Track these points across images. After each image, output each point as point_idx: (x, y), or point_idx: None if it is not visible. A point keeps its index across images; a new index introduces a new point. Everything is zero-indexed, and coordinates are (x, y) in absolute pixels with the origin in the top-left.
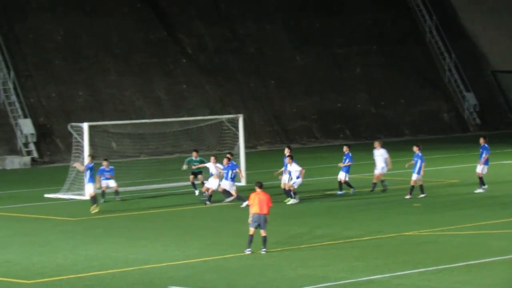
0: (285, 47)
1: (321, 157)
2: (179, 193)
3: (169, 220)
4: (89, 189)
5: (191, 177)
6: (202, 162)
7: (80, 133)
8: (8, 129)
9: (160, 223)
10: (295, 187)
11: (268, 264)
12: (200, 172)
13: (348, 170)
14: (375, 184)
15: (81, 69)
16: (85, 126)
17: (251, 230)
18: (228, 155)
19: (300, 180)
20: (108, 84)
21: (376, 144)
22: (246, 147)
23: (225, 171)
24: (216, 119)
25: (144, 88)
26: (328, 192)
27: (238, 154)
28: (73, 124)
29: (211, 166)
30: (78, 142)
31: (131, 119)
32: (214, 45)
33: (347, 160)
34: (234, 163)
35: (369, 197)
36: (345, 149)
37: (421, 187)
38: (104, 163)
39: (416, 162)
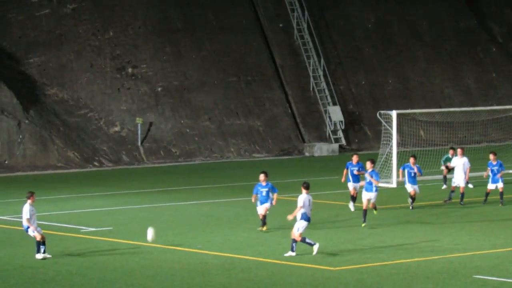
0: None
1: None
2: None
3: (476, 208)
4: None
5: (445, 170)
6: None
7: (389, 121)
8: (318, 116)
9: (467, 212)
10: None
11: None
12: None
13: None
14: None
15: (391, 57)
16: (394, 114)
17: None
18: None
19: None
20: (417, 72)
21: None
22: None
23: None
24: None
25: (453, 76)
26: None
27: None
28: (382, 111)
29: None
30: (387, 129)
31: (439, 107)
32: None
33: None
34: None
35: None
36: (355, 159)
37: None
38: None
39: None
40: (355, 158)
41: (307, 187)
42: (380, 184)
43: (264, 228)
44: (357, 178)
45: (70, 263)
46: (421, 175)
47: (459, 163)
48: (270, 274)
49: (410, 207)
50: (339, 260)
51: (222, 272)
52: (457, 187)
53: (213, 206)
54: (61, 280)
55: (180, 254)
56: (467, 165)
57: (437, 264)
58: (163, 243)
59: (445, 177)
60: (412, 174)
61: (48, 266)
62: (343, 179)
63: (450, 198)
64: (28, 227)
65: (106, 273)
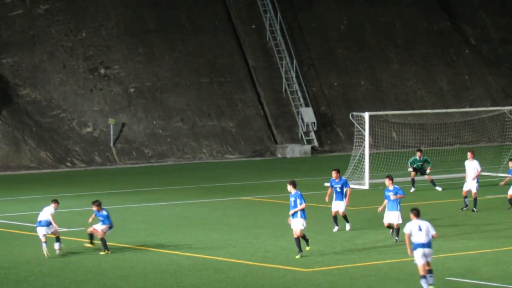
0: None
1: None
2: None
3: (445, 212)
4: None
5: (413, 173)
6: (426, 161)
7: (361, 123)
8: (290, 117)
9: (438, 214)
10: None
11: None
12: (422, 170)
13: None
14: None
15: (363, 58)
16: (366, 115)
17: None
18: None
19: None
20: (390, 74)
21: None
22: None
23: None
24: (498, 110)
25: (426, 78)
26: None
27: None
28: (354, 113)
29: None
30: (360, 131)
31: (412, 109)
32: (498, 36)
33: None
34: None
35: None
36: (334, 175)
37: None
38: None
39: None
40: (334, 174)
41: (417, 214)
42: (352, 186)
43: (105, 252)
44: (340, 196)
45: (42, 263)
46: (404, 196)
47: (471, 167)
48: (242, 275)
49: (392, 237)
50: (311, 262)
51: (194, 273)
52: (469, 192)
53: (185, 207)
54: (33, 281)
55: (152, 254)
56: (479, 168)
57: (410, 266)
58: (135, 243)
59: (413, 180)
60: (391, 197)
61: (20, 266)
62: (326, 198)
63: (466, 205)
64: (50, 223)
65: (78, 273)
